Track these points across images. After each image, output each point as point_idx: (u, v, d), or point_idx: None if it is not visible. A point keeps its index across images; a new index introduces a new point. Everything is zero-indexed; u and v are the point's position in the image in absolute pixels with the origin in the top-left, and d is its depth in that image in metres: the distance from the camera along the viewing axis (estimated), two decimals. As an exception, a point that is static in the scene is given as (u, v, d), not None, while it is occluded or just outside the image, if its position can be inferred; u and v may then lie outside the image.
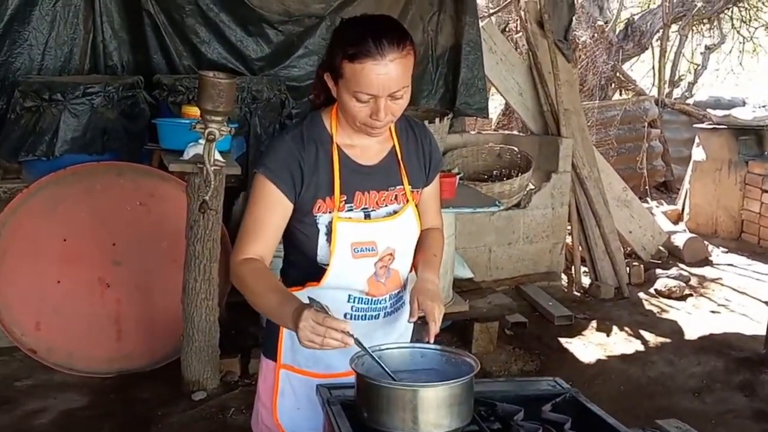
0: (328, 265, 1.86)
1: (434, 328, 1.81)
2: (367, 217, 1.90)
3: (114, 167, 4.19)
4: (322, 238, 1.87)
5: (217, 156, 3.46)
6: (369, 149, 1.92)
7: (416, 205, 1.98)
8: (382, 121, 1.78)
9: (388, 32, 1.72)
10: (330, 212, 1.86)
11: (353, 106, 1.77)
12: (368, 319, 1.95)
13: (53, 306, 4.02)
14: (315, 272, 1.88)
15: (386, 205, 1.93)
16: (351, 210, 1.88)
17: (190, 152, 3.67)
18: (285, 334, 1.96)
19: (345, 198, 1.87)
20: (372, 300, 1.94)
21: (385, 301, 1.97)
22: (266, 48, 5.22)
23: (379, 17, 1.80)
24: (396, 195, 1.94)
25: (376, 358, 1.65)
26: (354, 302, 1.92)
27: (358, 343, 1.63)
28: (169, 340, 4.01)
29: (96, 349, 4.05)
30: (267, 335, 2.03)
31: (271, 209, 1.84)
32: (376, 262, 1.90)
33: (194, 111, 3.79)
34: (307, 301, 1.67)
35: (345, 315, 1.91)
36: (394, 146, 1.96)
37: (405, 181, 1.96)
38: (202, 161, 3.33)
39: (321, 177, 1.86)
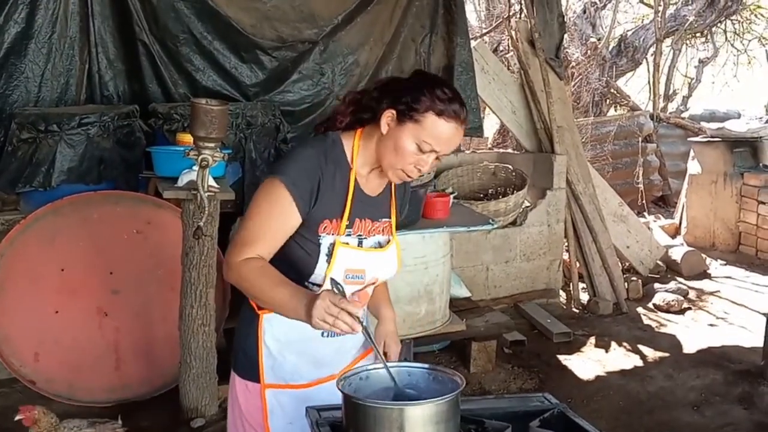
0: (319, 285, 1.91)
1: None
2: (359, 244, 1.97)
3: (111, 196, 4.22)
4: (322, 258, 1.91)
5: (211, 182, 3.49)
6: (375, 181, 2.00)
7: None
8: (422, 172, 1.90)
9: (464, 102, 1.90)
10: (333, 234, 1.91)
11: (409, 152, 1.84)
12: (341, 335, 1.96)
13: (52, 336, 4.03)
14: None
15: (374, 236, 2.01)
16: (349, 235, 1.95)
17: (185, 179, 3.71)
18: (263, 354, 1.99)
19: (347, 223, 1.94)
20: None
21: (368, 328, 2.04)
22: (260, 74, 5.27)
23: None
24: (383, 227, 2.03)
25: (379, 351, 1.74)
26: None
27: (365, 331, 1.69)
28: (168, 368, 4.02)
29: (95, 378, 4.05)
30: (245, 358, 2.04)
31: (282, 218, 1.87)
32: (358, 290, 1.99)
33: (188, 138, 3.82)
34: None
35: (322, 333, 1.94)
36: (390, 183, 2.04)
37: (393, 214, 2.06)
38: (196, 188, 3.36)
39: (333, 199, 1.91)
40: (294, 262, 1.93)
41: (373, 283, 2.01)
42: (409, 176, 1.89)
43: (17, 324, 4.01)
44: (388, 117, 1.86)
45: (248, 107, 4.85)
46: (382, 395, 1.68)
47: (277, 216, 1.86)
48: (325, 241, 1.90)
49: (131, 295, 4.11)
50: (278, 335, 1.98)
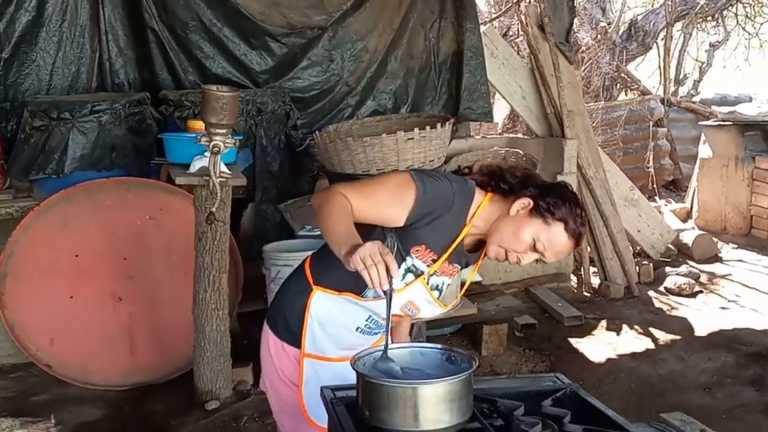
0: (375, 297, 2.00)
1: None
2: (429, 276, 2.03)
3: (123, 183, 4.25)
4: (399, 271, 1.97)
5: (223, 168, 3.51)
6: (472, 239, 2.08)
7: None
8: (518, 263, 1.98)
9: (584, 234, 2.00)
10: (423, 262, 1.99)
11: (526, 243, 1.94)
12: (371, 334, 2.16)
13: (67, 321, 4.08)
14: (357, 288, 2.01)
15: (446, 276, 2.09)
16: (434, 274, 2.03)
17: (196, 165, 3.72)
18: (308, 324, 2.09)
19: (439, 264, 2.02)
20: (381, 324, 2.13)
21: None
22: (270, 61, 5.28)
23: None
24: (453, 271, 2.11)
25: (389, 320, 1.79)
26: (369, 321, 2.12)
27: (388, 294, 1.73)
28: (181, 352, 4.05)
29: (110, 362, 4.10)
30: (286, 322, 2.14)
31: (392, 202, 1.93)
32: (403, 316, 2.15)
33: (199, 125, 3.84)
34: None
35: (357, 329, 2.10)
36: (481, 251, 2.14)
37: (473, 268, 2.20)
38: (208, 174, 3.38)
39: (441, 237, 1.98)
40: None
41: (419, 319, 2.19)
42: (506, 260, 1.98)
43: (33, 309, 4.05)
44: (524, 203, 1.95)
45: (258, 94, 4.86)
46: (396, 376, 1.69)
47: (391, 196, 1.93)
48: (410, 261, 1.98)
49: (145, 281, 4.15)
50: (322, 314, 2.09)
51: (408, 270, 1.99)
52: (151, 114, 4.57)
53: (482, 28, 5.94)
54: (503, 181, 2.02)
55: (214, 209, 3.42)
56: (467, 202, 2.00)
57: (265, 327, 2.22)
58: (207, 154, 3.42)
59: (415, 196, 1.91)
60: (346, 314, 2.08)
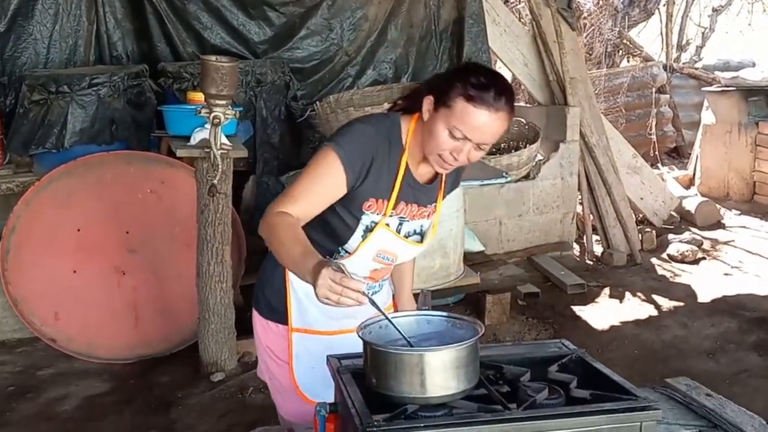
0: (348, 253, 1.97)
1: None
2: (399, 225, 1.99)
3: (123, 156, 4.23)
4: (357, 233, 1.95)
5: (224, 140, 3.50)
6: (426, 169, 2.01)
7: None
8: (459, 161, 1.87)
9: (508, 91, 1.84)
10: (377, 214, 1.94)
11: (442, 138, 1.84)
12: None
13: (71, 295, 4.08)
14: (331, 256, 1.97)
15: (417, 220, 2.03)
16: (392, 216, 1.97)
17: (197, 137, 3.71)
18: (292, 298, 2.04)
19: (392, 205, 1.96)
20: (368, 285, 2.02)
21: (378, 286, 2.13)
22: (268, 31, 5.23)
23: (500, 76, 1.90)
24: (429, 212, 2.05)
25: (390, 319, 1.68)
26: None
27: (372, 303, 1.67)
28: (186, 325, 4.07)
29: (115, 336, 4.11)
30: (268, 300, 2.10)
31: (327, 186, 1.88)
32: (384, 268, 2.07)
33: (199, 97, 3.82)
34: None
35: None
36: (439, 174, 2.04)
37: (439, 201, 2.08)
38: (209, 145, 3.36)
39: (383, 180, 1.92)
40: (331, 230, 1.96)
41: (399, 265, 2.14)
42: (447, 163, 1.88)
43: (36, 284, 4.06)
44: (427, 103, 1.87)
45: (257, 65, 4.82)
46: (400, 344, 1.69)
47: (324, 182, 1.88)
48: (366, 218, 1.93)
49: (148, 254, 4.15)
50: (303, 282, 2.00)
51: (367, 229, 1.94)
52: (150, 86, 4.54)
53: (483, -5, 5.87)
54: (417, 99, 1.93)
55: (215, 181, 3.41)
56: (395, 134, 1.94)
57: (254, 312, 2.17)
58: (207, 126, 3.40)
59: (342, 165, 1.86)
60: None
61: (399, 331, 1.67)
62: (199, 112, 3.36)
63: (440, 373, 1.56)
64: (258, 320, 2.15)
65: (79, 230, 4.10)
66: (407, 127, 1.95)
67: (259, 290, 2.15)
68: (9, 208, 4.14)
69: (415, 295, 2.14)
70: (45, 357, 4.13)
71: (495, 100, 1.79)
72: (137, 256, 4.15)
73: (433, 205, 2.07)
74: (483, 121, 1.80)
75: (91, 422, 3.51)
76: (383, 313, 1.70)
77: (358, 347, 1.70)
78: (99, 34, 4.87)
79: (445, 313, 1.79)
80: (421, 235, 2.07)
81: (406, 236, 2.04)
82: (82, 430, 3.45)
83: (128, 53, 4.95)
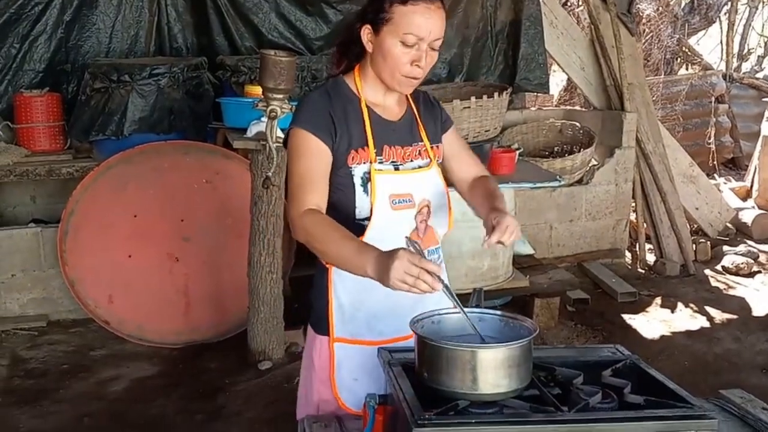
0: (367, 219, 1.89)
1: (499, 235, 1.87)
2: (396, 169, 1.95)
3: (180, 146, 4.31)
4: (358, 190, 1.90)
5: (279, 133, 3.53)
6: (390, 108, 1.99)
7: (438, 163, 2.05)
8: (422, 69, 1.86)
9: None
10: (365, 163, 1.90)
11: (398, 52, 1.83)
12: None
13: (125, 280, 4.17)
14: (354, 230, 1.86)
15: (411, 160, 1.98)
16: (381, 162, 1.93)
17: (253, 130, 3.76)
18: (334, 307, 1.96)
19: (375, 150, 1.92)
20: (428, 251, 1.96)
21: (436, 252, 2.03)
22: (325, 27, 5.27)
23: None
24: (419, 150, 2.00)
25: (462, 307, 1.68)
26: None
27: (446, 289, 1.66)
28: (234, 313, 4.12)
29: (165, 321, 4.19)
30: (317, 311, 2.03)
31: (316, 158, 1.87)
32: (416, 215, 1.95)
33: (257, 90, 3.87)
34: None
35: None
36: (410, 107, 2.03)
37: (424, 137, 2.03)
38: (265, 138, 3.40)
39: (352, 129, 1.91)
40: (335, 205, 1.92)
41: (427, 206, 1.97)
42: (414, 78, 1.87)
43: (92, 267, 4.16)
44: (366, 34, 1.88)
45: (313, 60, 4.87)
46: (453, 340, 1.68)
47: (310, 159, 1.87)
48: (357, 171, 1.90)
49: (201, 242, 4.22)
50: (349, 285, 1.94)
51: (363, 182, 1.90)
52: (208, 79, 4.62)
53: (542, -3, 5.82)
54: (351, 46, 1.94)
55: (270, 173, 3.45)
56: (342, 90, 1.94)
57: (308, 328, 2.09)
58: (264, 119, 3.45)
59: (311, 134, 1.86)
60: None
61: (472, 325, 1.67)
62: (256, 105, 3.41)
63: (492, 371, 1.55)
64: (311, 338, 2.07)
65: (135, 216, 4.19)
66: (352, 80, 1.96)
67: (311, 304, 2.08)
68: (68, 192, 4.25)
69: (466, 295, 1.99)
70: (98, 338, 4.23)
71: None
72: (191, 244, 4.22)
73: (420, 143, 2.00)
74: (427, 16, 1.81)
75: (139, 404, 3.58)
76: (457, 302, 1.67)
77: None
78: (160, 25, 4.98)
79: (499, 312, 1.79)
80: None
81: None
82: (131, 411, 3.53)
83: (188, 45, 5.05)
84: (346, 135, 1.89)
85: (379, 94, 1.96)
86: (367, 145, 1.91)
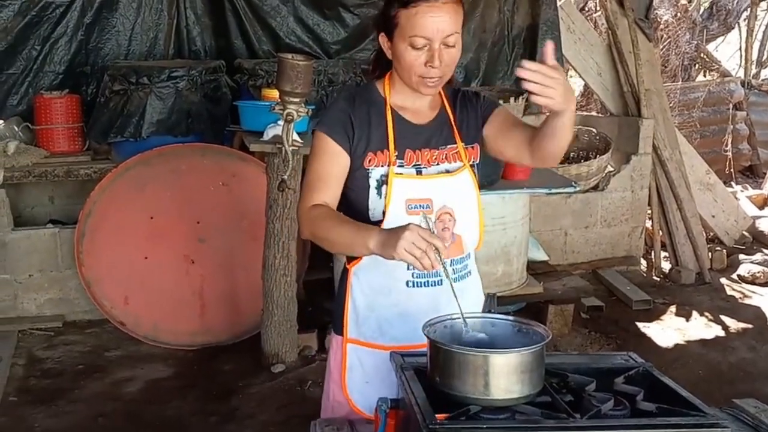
0: (380, 221, 1.89)
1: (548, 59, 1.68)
2: (419, 173, 1.93)
3: (198, 148, 4.34)
4: (372, 192, 1.90)
5: (295, 137, 3.55)
6: (421, 111, 1.97)
7: (472, 166, 1.98)
8: (438, 68, 1.81)
9: None
10: (383, 165, 1.90)
11: (409, 56, 1.82)
12: (430, 285, 1.94)
13: (141, 281, 4.21)
14: None
15: (438, 164, 1.95)
16: (402, 166, 1.92)
17: (270, 133, 3.78)
18: (349, 308, 1.99)
19: (396, 154, 1.91)
20: (451, 261, 1.93)
21: (447, 266, 1.91)
22: (342, 31, 5.29)
23: None
24: (447, 154, 1.96)
25: (458, 299, 1.70)
26: (413, 268, 1.83)
27: (445, 270, 1.71)
28: (249, 316, 4.14)
29: (181, 322, 4.22)
30: (335, 311, 2.06)
31: (331, 161, 1.90)
32: (435, 223, 1.91)
33: (273, 94, 3.89)
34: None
35: (407, 283, 1.93)
36: (444, 108, 1.99)
37: (457, 139, 1.97)
38: (281, 142, 3.42)
39: (373, 132, 1.91)
40: (350, 204, 1.94)
41: (448, 213, 1.93)
42: (429, 78, 1.84)
43: (109, 268, 4.20)
44: (384, 42, 1.88)
45: (330, 65, 4.88)
46: (465, 344, 1.69)
47: (326, 161, 1.89)
48: (375, 173, 1.90)
49: (217, 244, 4.24)
50: (366, 287, 1.97)
51: (379, 184, 1.90)
52: (226, 82, 4.65)
53: (559, 2, 5.82)
54: (381, 51, 1.93)
55: (286, 177, 3.46)
56: (369, 93, 1.95)
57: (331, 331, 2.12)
58: (280, 122, 3.47)
59: (329, 137, 1.88)
60: (388, 272, 1.90)
61: (460, 309, 1.68)
62: (273, 109, 3.43)
63: (505, 376, 1.55)
64: (335, 341, 2.07)
65: (152, 218, 4.22)
66: (382, 84, 1.96)
67: (335, 305, 2.09)
68: (86, 193, 4.29)
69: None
70: (113, 339, 4.27)
71: None
72: (206, 246, 4.25)
73: (451, 146, 1.96)
74: (431, 15, 1.78)
75: (154, 405, 3.61)
76: (453, 291, 1.70)
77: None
78: (179, 28, 5.02)
79: (511, 318, 1.79)
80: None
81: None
82: (146, 412, 3.55)
83: (206, 48, 5.08)
84: (364, 137, 1.90)
85: (407, 99, 1.95)
86: (387, 148, 1.91)
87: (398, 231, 1.64)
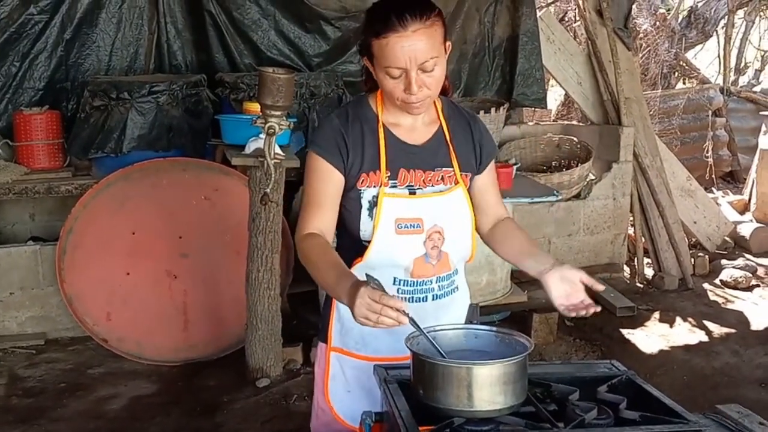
0: (370, 241, 1.89)
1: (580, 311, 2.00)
2: (413, 193, 1.92)
3: (179, 163, 4.32)
4: (364, 213, 1.89)
5: (277, 150, 3.55)
6: (415, 129, 1.95)
7: (467, 190, 1.98)
8: (416, 94, 1.79)
9: (411, 5, 1.76)
10: (375, 186, 1.89)
11: (387, 83, 1.81)
12: (416, 301, 1.94)
13: (123, 297, 4.18)
14: (359, 250, 1.91)
15: (432, 185, 1.94)
16: (395, 186, 1.90)
17: (252, 146, 3.77)
18: (334, 317, 1.99)
19: (389, 174, 1.90)
20: (418, 282, 1.93)
21: (432, 282, 1.95)
22: (324, 44, 5.30)
23: None
24: (443, 176, 1.94)
25: (430, 338, 1.67)
26: (399, 284, 1.92)
27: (412, 322, 1.65)
28: (233, 330, 4.12)
29: (164, 338, 4.19)
30: (322, 319, 2.07)
31: (325, 181, 1.89)
32: (425, 242, 1.90)
33: (255, 107, 3.89)
34: (363, 278, 1.69)
35: (396, 287, 1.93)
36: (441, 128, 1.97)
37: (454, 162, 1.96)
38: (263, 155, 3.41)
39: (366, 152, 1.90)
40: (344, 224, 1.94)
41: (438, 232, 1.91)
42: (411, 104, 1.82)
43: (90, 284, 4.16)
44: (369, 67, 1.87)
45: (312, 77, 4.89)
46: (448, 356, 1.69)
47: (320, 182, 1.89)
48: (366, 194, 1.89)
49: (199, 259, 4.22)
50: None
51: (371, 206, 1.88)
52: (207, 96, 4.64)
53: (538, 13, 5.86)
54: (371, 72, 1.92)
55: (268, 190, 3.45)
56: (362, 109, 1.93)
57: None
58: (262, 135, 3.46)
59: (323, 158, 1.88)
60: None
61: (436, 347, 1.65)
62: (255, 122, 3.42)
63: (488, 388, 1.56)
64: (320, 348, 2.08)
65: (133, 233, 4.19)
66: (374, 99, 1.94)
67: (322, 313, 2.11)
68: (67, 209, 4.27)
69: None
70: (96, 356, 4.23)
71: (399, 21, 1.73)
72: (189, 261, 4.22)
73: (447, 169, 1.94)
74: (400, 46, 1.74)
75: (138, 422, 3.57)
76: (423, 333, 1.66)
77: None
78: (159, 43, 5.00)
79: (494, 328, 1.79)
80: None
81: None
82: (129, 430, 3.51)
83: (187, 63, 5.07)
84: (359, 158, 1.89)
85: (400, 117, 1.93)
86: (379, 169, 1.89)
87: (352, 297, 1.62)
